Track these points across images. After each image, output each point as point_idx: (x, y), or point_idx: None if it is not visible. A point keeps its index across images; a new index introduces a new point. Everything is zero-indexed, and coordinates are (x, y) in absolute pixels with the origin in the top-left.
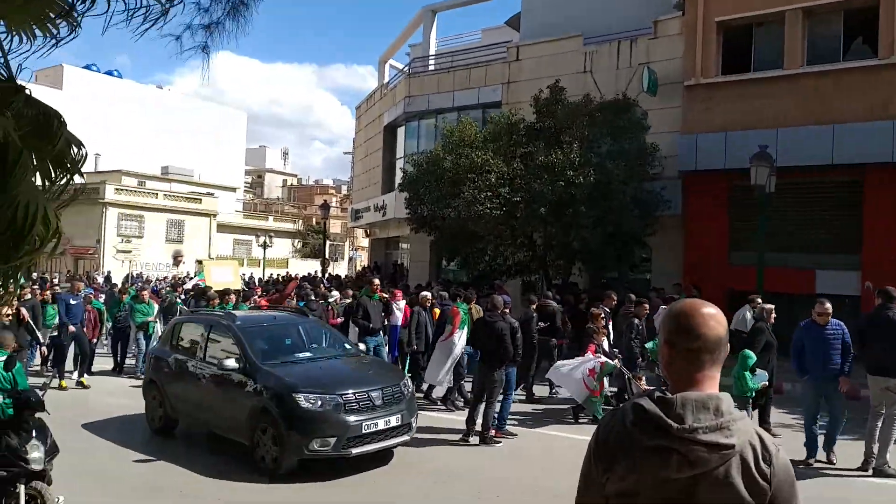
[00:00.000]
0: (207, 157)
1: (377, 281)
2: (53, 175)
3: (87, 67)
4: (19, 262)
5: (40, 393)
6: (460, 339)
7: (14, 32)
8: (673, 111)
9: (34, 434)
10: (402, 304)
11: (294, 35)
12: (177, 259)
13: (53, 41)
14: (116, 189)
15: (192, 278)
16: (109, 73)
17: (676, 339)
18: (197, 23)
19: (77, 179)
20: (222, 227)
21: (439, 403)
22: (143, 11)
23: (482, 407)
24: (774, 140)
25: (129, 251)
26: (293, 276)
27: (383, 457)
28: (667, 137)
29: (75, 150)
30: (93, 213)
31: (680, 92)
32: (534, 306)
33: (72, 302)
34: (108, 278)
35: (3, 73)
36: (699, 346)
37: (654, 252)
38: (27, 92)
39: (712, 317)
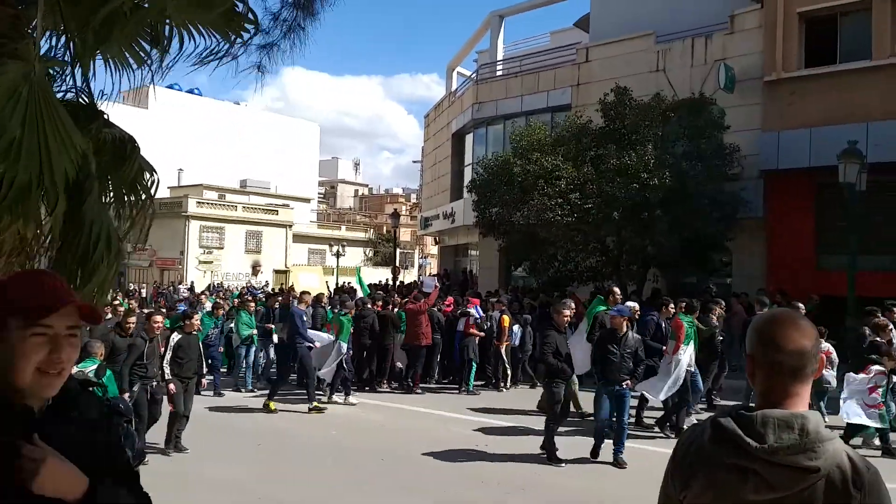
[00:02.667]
0: (283, 170)
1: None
2: (127, 198)
3: (170, 87)
4: (86, 287)
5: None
6: (685, 355)
7: (109, 60)
8: (752, 108)
9: (123, 441)
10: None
11: (360, 48)
12: (255, 269)
13: (147, 69)
14: (198, 202)
15: (265, 287)
16: (190, 91)
17: (759, 351)
18: (255, 43)
19: (150, 202)
20: (298, 238)
21: (656, 429)
22: (214, 51)
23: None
24: (864, 135)
25: (211, 262)
26: (413, 281)
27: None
28: (746, 136)
29: (147, 175)
30: (176, 225)
31: (759, 88)
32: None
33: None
34: (190, 288)
35: (84, 98)
36: (782, 360)
37: (735, 256)
38: (105, 116)
39: (797, 328)
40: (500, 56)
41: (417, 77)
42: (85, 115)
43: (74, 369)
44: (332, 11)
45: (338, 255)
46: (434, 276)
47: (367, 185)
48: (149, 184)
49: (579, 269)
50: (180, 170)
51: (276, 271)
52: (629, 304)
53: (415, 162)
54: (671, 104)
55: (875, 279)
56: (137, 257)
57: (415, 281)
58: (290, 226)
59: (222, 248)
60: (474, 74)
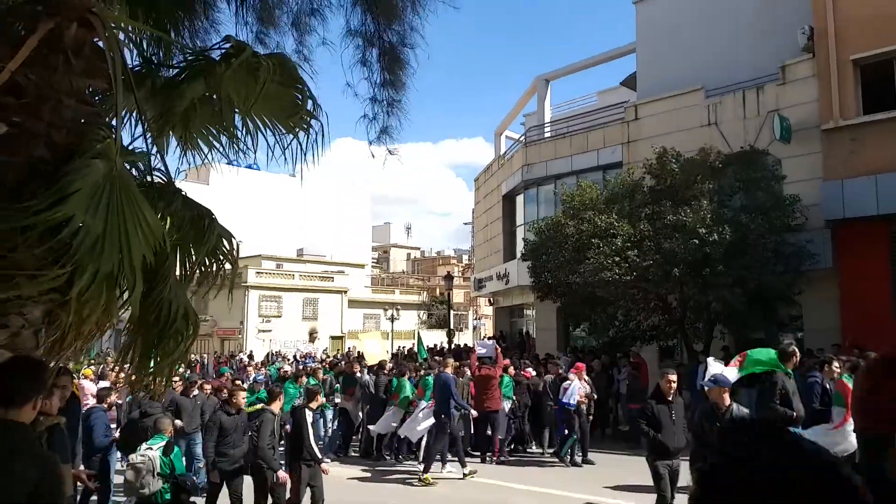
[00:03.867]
0: (337, 237)
1: None
2: (208, 265)
3: (230, 163)
4: (170, 359)
5: None
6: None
7: (184, 143)
8: (811, 157)
9: None
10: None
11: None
12: (312, 336)
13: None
14: (257, 272)
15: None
16: (249, 166)
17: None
18: (373, 135)
19: (229, 266)
20: (353, 303)
21: None
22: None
23: None
24: None
25: (269, 330)
26: (465, 345)
27: None
28: (807, 186)
29: (226, 243)
30: (236, 295)
31: (816, 137)
32: None
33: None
34: (250, 356)
35: (163, 177)
36: None
37: (804, 309)
38: (183, 194)
39: None
40: (547, 118)
41: (462, 141)
42: (163, 195)
43: (144, 447)
44: (416, 78)
45: (392, 318)
46: (491, 338)
47: (418, 248)
48: (228, 251)
49: (641, 327)
50: (239, 242)
51: (333, 337)
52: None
53: (465, 224)
54: (722, 158)
55: None
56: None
57: (465, 344)
58: (346, 292)
59: (280, 317)
60: (523, 137)
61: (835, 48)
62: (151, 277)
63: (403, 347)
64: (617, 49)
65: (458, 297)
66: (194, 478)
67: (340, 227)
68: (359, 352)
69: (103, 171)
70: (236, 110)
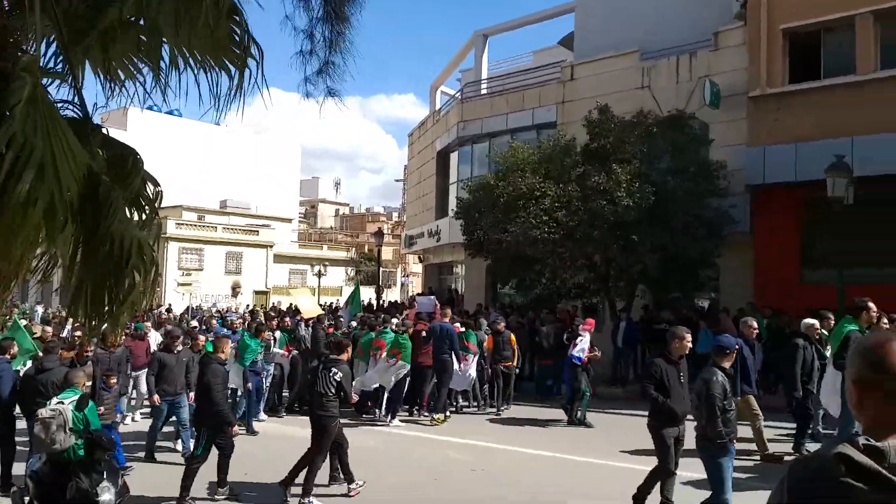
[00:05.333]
0: (263, 190)
1: None
2: (132, 213)
3: (150, 108)
4: (128, 300)
5: None
6: None
7: (102, 74)
8: (738, 124)
9: (105, 475)
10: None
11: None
12: (235, 291)
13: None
14: (177, 224)
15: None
16: (170, 112)
17: (869, 379)
18: (311, 72)
19: (156, 216)
20: (278, 258)
21: None
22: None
23: None
24: (850, 149)
25: (189, 284)
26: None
27: None
28: (732, 151)
29: (151, 187)
30: (154, 247)
31: (744, 104)
32: None
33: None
34: (168, 310)
35: (78, 112)
36: (894, 387)
37: (722, 271)
38: (104, 131)
39: None
40: (484, 75)
41: (393, 97)
42: (84, 131)
43: (54, 401)
44: (361, 13)
45: (320, 274)
46: (431, 295)
47: (347, 205)
48: (153, 196)
49: (567, 285)
50: (160, 190)
51: (257, 292)
52: (808, 320)
53: (398, 181)
54: (654, 121)
55: (860, 293)
56: None
57: (406, 300)
58: (271, 246)
59: (202, 270)
60: (459, 93)
61: (766, 17)
62: (94, 210)
63: (329, 304)
64: (556, 7)
65: (386, 254)
66: (111, 435)
67: (267, 180)
68: (294, 306)
69: (31, 87)
70: (164, 40)
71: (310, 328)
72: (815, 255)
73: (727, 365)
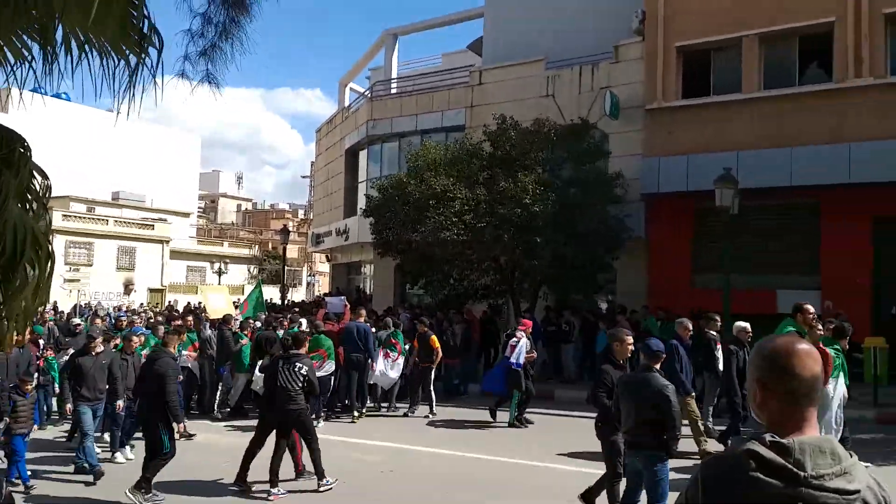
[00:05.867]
0: (160, 182)
1: None
2: (22, 207)
3: (34, 90)
4: (19, 296)
5: None
6: (835, 388)
7: None
8: (635, 134)
9: None
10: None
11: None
12: (128, 288)
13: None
14: (64, 215)
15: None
16: (57, 95)
17: (772, 379)
18: (193, 51)
19: (43, 212)
20: (175, 254)
21: None
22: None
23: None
24: (735, 163)
25: (78, 280)
26: (313, 300)
27: None
28: (630, 161)
29: (39, 180)
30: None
31: (642, 115)
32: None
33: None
34: (54, 308)
35: None
36: (795, 387)
37: (618, 274)
38: None
39: (809, 355)
40: (394, 74)
41: (299, 91)
42: None
43: None
44: (261, 5)
45: (220, 272)
46: (341, 296)
47: (250, 200)
48: (41, 191)
49: (474, 286)
50: (48, 183)
51: (151, 290)
52: (740, 323)
53: (304, 177)
54: (556, 130)
55: (745, 297)
56: None
57: (316, 299)
58: (167, 241)
59: (91, 266)
60: (368, 91)
61: (662, 34)
62: None
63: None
64: (466, 11)
65: (292, 252)
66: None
67: (164, 172)
68: (200, 304)
69: None
70: (57, 18)
71: (215, 329)
72: (704, 261)
73: (658, 367)
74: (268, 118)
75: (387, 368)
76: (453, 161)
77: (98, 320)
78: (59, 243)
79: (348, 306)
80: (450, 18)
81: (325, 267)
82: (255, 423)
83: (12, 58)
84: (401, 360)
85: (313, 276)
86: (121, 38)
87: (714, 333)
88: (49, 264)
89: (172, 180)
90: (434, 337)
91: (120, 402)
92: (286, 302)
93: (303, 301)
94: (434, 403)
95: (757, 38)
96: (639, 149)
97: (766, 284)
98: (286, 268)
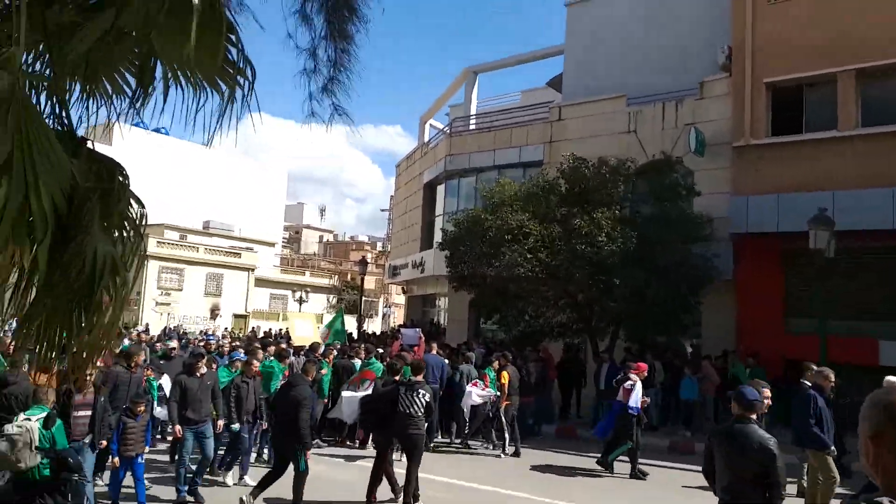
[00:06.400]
0: (248, 213)
1: None
2: (118, 234)
3: (136, 125)
4: (97, 324)
5: None
6: None
7: (88, 90)
8: (722, 172)
9: (69, 498)
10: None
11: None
12: (214, 312)
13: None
14: (158, 242)
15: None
16: (157, 130)
17: (890, 432)
18: (315, 89)
19: (139, 239)
20: (260, 282)
21: None
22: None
23: None
24: (830, 203)
25: (168, 304)
26: (385, 331)
27: None
28: (716, 199)
29: (136, 207)
30: (133, 268)
31: (729, 153)
32: None
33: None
34: (146, 331)
35: (61, 125)
36: None
37: (704, 317)
38: (89, 145)
39: None
40: (473, 111)
41: (381, 128)
42: (65, 143)
43: (21, 417)
44: (367, 31)
45: (300, 300)
46: (416, 328)
47: (332, 232)
48: (137, 218)
49: (550, 324)
50: (144, 211)
51: (236, 315)
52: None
53: (383, 210)
54: (638, 168)
55: (843, 344)
56: None
57: (390, 330)
58: (253, 269)
59: (181, 290)
60: (447, 127)
61: (750, 70)
62: (66, 223)
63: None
64: (546, 49)
65: (369, 283)
66: (78, 456)
67: (252, 203)
68: (281, 331)
69: (7, 83)
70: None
71: (300, 357)
72: (797, 304)
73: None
74: (350, 154)
75: (474, 395)
76: (528, 197)
77: (175, 342)
78: (152, 268)
79: (423, 338)
80: (529, 56)
81: (400, 299)
82: (329, 451)
83: (111, 91)
84: (487, 392)
85: (389, 307)
86: (216, 72)
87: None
88: (125, 292)
89: (260, 211)
90: (504, 372)
91: (220, 423)
92: (363, 332)
93: (373, 333)
94: (507, 443)
95: (854, 73)
96: (726, 187)
97: (865, 332)
98: (364, 298)
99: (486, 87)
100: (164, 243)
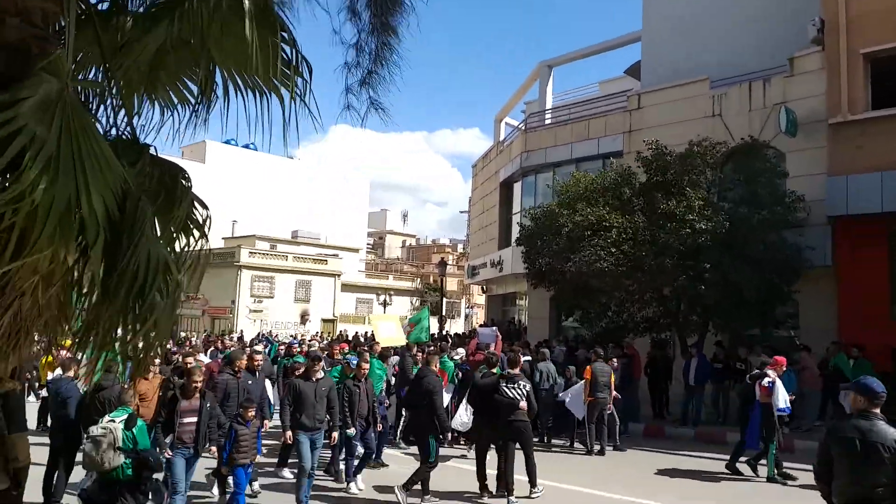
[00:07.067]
0: (333, 222)
1: None
2: (178, 239)
3: (227, 142)
4: (147, 325)
5: None
6: None
7: (153, 100)
8: (816, 152)
9: (150, 497)
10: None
11: (404, 105)
12: (304, 318)
13: (193, 113)
14: (250, 252)
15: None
16: (246, 146)
17: None
18: (353, 82)
19: (203, 241)
20: (346, 287)
21: None
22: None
23: None
24: None
25: (261, 311)
26: (465, 332)
27: None
28: (811, 180)
29: (201, 210)
30: (228, 275)
31: (823, 131)
32: None
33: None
34: (240, 338)
35: (127, 135)
36: None
37: (801, 307)
38: (151, 151)
39: None
40: (548, 105)
41: (458, 132)
42: (127, 150)
43: (106, 419)
44: (410, 30)
45: (385, 304)
46: (493, 326)
47: (414, 236)
48: (202, 220)
49: (634, 319)
50: (234, 221)
51: (324, 320)
52: None
53: (462, 212)
54: (723, 150)
55: None
56: (190, 306)
57: (469, 331)
58: (339, 275)
59: (272, 298)
60: (523, 124)
61: (845, 41)
62: (118, 226)
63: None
64: (622, 37)
65: (451, 285)
66: (160, 456)
67: (337, 212)
68: (367, 334)
69: (56, 88)
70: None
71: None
72: None
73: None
74: (430, 158)
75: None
76: (605, 189)
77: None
78: (245, 277)
79: (499, 337)
80: (605, 45)
81: (482, 299)
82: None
83: (176, 100)
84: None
85: (471, 307)
86: (273, 72)
87: None
88: (177, 294)
89: (344, 219)
90: (589, 367)
91: (335, 434)
92: (445, 332)
93: (455, 333)
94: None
95: None
96: (821, 167)
97: None
98: (445, 299)
99: (562, 81)
100: (255, 253)
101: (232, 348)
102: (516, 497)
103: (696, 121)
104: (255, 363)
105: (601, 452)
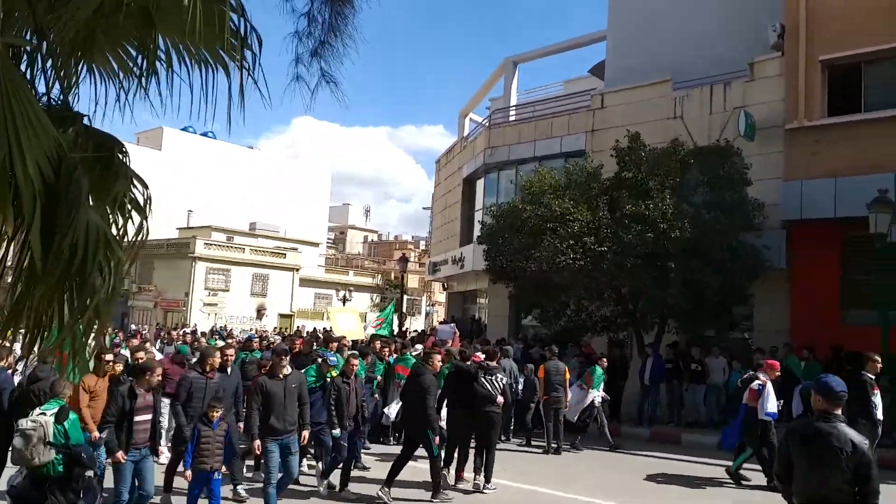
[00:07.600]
0: (293, 215)
1: None
2: (112, 218)
3: (185, 129)
4: (88, 309)
5: None
6: None
7: (91, 70)
8: (773, 157)
9: (81, 494)
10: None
11: (368, 100)
12: (260, 312)
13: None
14: (206, 244)
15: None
16: (205, 134)
17: None
18: (304, 51)
19: (144, 223)
20: (304, 282)
21: None
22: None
23: None
24: (892, 184)
25: (215, 304)
26: (423, 330)
27: None
28: (767, 185)
29: (141, 189)
30: (183, 266)
31: (780, 136)
32: None
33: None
34: (193, 332)
35: (58, 102)
36: None
37: (756, 309)
38: (86, 120)
39: None
40: (513, 102)
41: (423, 128)
42: (59, 116)
43: (36, 412)
44: (368, 2)
45: (344, 299)
46: (452, 323)
47: (376, 231)
48: (143, 202)
49: (592, 318)
50: (189, 211)
51: (281, 315)
52: None
53: (425, 208)
54: (690, 151)
55: None
56: (142, 297)
57: (427, 329)
58: (298, 269)
59: (228, 291)
60: (487, 120)
61: (804, 47)
62: (54, 194)
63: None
64: (587, 35)
65: (412, 282)
66: (92, 451)
67: (297, 205)
68: (324, 329)
69: None
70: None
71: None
72: (856, 295)
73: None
74: (393, 154)
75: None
76: (570, 185)
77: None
78: (200, 269)
79: (457, 334)
80: (571, 44)
81: (443, 297)
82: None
83: (119, 69)
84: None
85: (432, 305)
86: (218, 43)
87: (870, 376)
88: (118, 270)
89: (304, 212)
90: (542, 366)
91: (305, 433)
92: (404, 330)
93: (413, 330)
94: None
95: None
96: (778, 172)
97: None
98: (406, 297)
99: (527, 79)
100: (211, 244)
101: (204, 345)
102: (463, 493)
103: (658, 122)
104: (227, 358)
105: (557, 451)
